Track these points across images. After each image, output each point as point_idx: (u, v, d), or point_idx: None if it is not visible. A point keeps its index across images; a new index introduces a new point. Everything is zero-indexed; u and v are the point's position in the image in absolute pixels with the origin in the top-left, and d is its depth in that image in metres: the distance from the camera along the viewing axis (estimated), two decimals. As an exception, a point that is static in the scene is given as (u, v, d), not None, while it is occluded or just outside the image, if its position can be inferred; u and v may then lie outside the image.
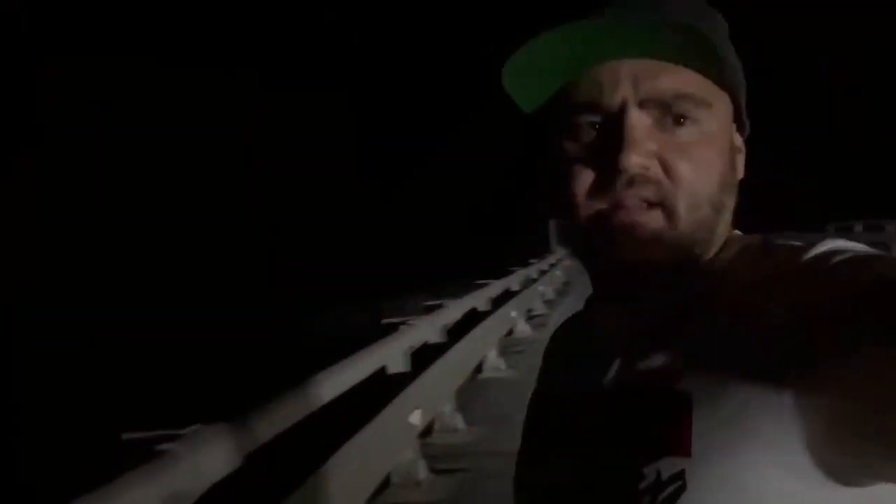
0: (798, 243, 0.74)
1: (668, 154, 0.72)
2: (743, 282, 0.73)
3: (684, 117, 0.73)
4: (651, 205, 0.73)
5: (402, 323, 5.87)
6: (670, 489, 0.68)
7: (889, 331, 0.60)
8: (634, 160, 0.71)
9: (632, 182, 0.72)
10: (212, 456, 2.50)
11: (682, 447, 0.68)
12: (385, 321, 5.87)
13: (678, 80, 0.73)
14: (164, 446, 2.38)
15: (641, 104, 0.72)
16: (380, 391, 4.54)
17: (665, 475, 0.68)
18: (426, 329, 6.16)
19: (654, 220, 0.73)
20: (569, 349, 0.90)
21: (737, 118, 0.79)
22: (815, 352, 0.63)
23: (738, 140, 0.80)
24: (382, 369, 5.12)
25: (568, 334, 0.93)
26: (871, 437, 0.61)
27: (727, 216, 0.78)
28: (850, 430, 0.62)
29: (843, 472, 0.64)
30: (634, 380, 0.75)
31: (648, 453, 0.70)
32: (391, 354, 5.25)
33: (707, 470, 0.67)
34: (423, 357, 5.59)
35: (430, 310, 7.07)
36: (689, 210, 0.73)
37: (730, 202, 0.77)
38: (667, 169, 0.72)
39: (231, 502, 2.63)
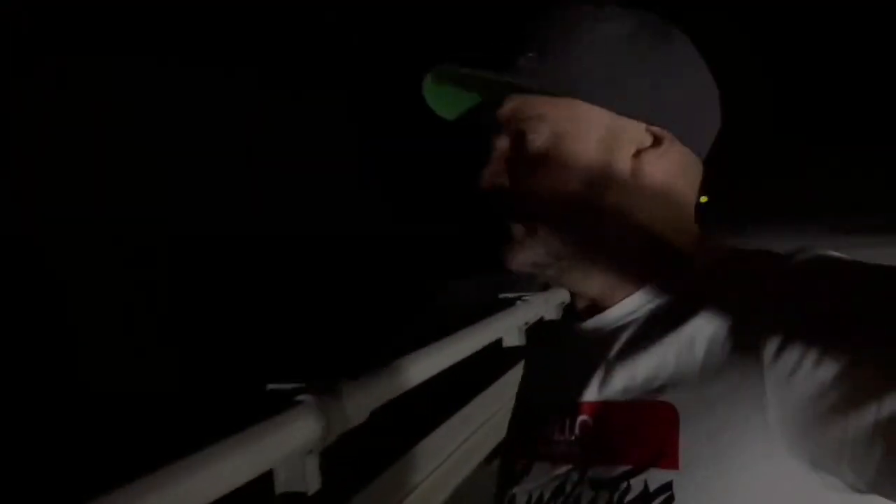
0: (776, 251, 0.75)
1: (518, 167, 0.78)
2: (723, 292, 0.73)
3: (524, 132, 0.78)
4: (514, 216, 0.78)
5: (519, 298, 6.00)
6: (658, 500, 0.68)
7: (865, 347, 0.61)
8: (483, 180, 0.79)
9: (491, 198, 0.79)
10: (342, 409, 2.70)
11: (669, 459, 0.69)
12: (502, 296, 6.01)
13: (512, 104, 0.78)
14: (302, 397, 2.60)
15: (497, 129, 0.80)
16: (495, 362, 4.69)
17: (652, 487, 0.69)
18: (541, 305, 6.27)
19: (515, 230, 0.78)
20: (551, 358, 0.88)
21: (627, 132, 0.78)
22: (796, 366, 0.64)
23: (630, 145, 0.78)
24: (499, 341, 5.30)
25: (550, 341, 0.91)
26: (850, 450, 0.61)
27: (608, 218, 0.77)
28: (831, 441, 0.62)
29: (829, 480, 0.65)
30: (619, 392, 0.75)
31: (635, 465, 0.70)
32: (507, 328, 5.41)
33: (694, 481, 0.67)
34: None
35: (545, 287, 7.18)
36: (545, 219, 0.77)
37: (603, 205, 0.77)
38: (516, 182, 0.78)
39: (356, 452, 2.81)
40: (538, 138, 0.76)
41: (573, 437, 0.77)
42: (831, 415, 0.62)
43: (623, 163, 0.77)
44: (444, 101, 0.83)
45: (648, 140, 0.77)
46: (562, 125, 0.76)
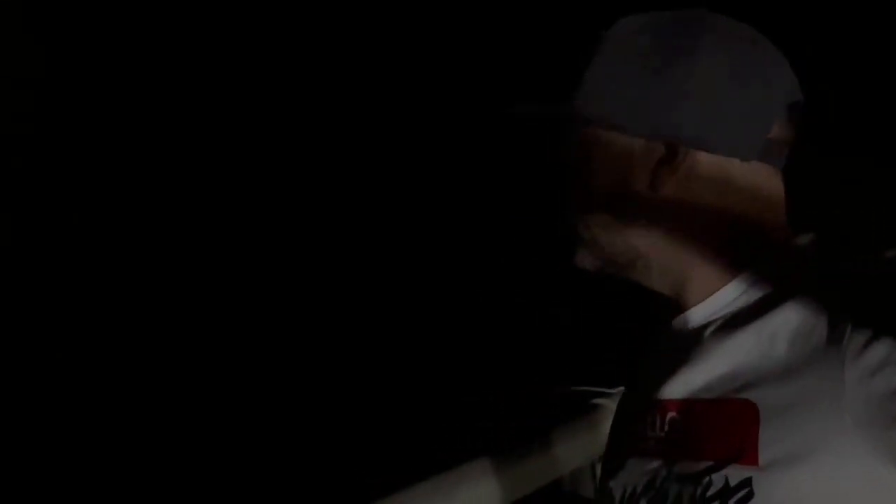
0: (854, 249, 0.77)
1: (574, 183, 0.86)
2: (807, 288, 0.74)
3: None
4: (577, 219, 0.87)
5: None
6: (738, 496, 0.70)
7: None
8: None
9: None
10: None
11: (749, 456, 0.71)
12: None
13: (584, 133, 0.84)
14: (598, 400, 2.65)
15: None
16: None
17: (733, 482, 0.71)
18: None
19: (581, 231, 0.86)
20: (645, 359, 0.91)
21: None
22: (879, 365, 0.66)
23: (650, 160, 0.81)
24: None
25: (647, 344, 0.94)
26: None
27: (637, 228, 0.82)
28: None
29: None
30: (703, 390, 0.78)
31: (717, 461, 0.73)
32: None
33: (773, 478, 0.69)
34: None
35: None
36: (583, 228, 0.85)
37: (627, 216, 0.82)
38: (570, 195, 0.86)
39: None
40: (587, 159, 0.83)
41: (662, 434, 0.81)
42: None
43: (639, 177, 0.80)
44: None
45: (676, 156, 0.79)
46: (600, 146, 0.82)
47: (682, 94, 0.78)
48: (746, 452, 0.71)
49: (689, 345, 0.82)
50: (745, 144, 0.80)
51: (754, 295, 0.79)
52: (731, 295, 0.80)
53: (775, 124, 0.80)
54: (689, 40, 0.79)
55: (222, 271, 3.75)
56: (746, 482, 0.71)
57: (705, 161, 0.80)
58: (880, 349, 0.66)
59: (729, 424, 0.74)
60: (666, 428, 0.81)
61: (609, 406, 2.92)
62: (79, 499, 3.20)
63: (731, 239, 0.81)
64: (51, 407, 3.37)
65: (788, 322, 0.74)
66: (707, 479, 0.73)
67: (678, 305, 0.84)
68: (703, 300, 0.81)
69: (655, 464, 0.80)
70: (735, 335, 0.78)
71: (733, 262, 0.80)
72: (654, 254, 0.82)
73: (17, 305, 3.42)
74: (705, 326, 0.81)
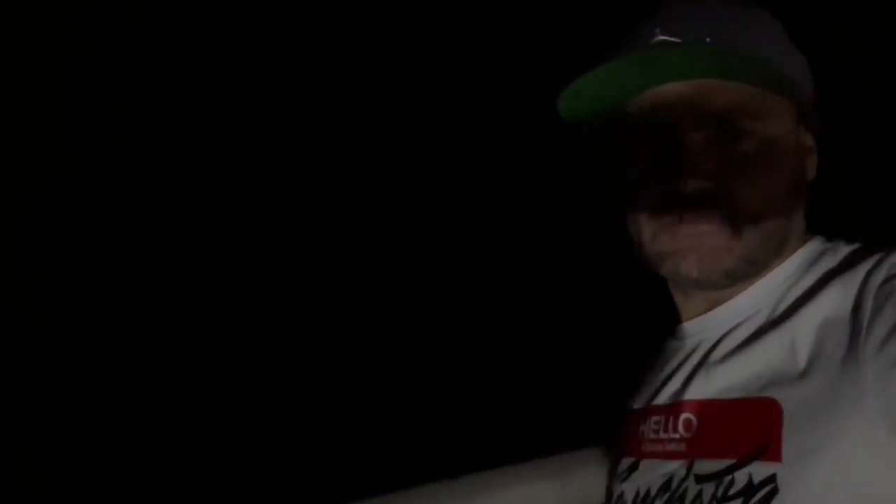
0: (879, 247, 0.76)
1: (728, 170, 0.76)
2: (825, 286, 0.75)
3: (741, 131, 0.76)
4: (713, 221, 0.77)
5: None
6: (763, 492, 0.72)
7: None
8: (692, 181, 0.76)
9: (692, 201, 0.76)
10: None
11: (772, 452, 0.72)
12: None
13: (730, 97, 0.76)
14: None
15: (696, 124, 0.76)
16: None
17: (756, 479, 0.72)
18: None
19: (719, 234, 0.77)
20: (658, 362, 0.92)
21: (802, 119, 0.80)
22: (893, 356, 0.66)
23: (809, 140, 0.81)
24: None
25: (659, 348, 0.94)
26: None
27: (799, 221, 0.81)
28: None
29: None
30: (724, 390, 0.79)
31: (739, 459, 0.74)
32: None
33: (797, 473, 0.70)
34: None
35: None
36: (753, 222, 0.77)
37: (800, 206, 0.80)
38: (727, 185, 0.76)
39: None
40: (760, 139, 0.76)
41: (678, 435, 0.81)
42: None
43: (809, 170, 0.81)
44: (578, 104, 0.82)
45: (811, 146, 0.81)
46: (781, 126, 0.78)
47: (803, 71, 0.81)
48: (770, 449, 0.72)
49: (706, 347, 0.82)
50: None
51: (777, 293, 0.79)
52: (752, 295, 0.81)
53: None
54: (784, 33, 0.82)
55: (221, 271, 3.76)
56: (771, 478, 0.71)
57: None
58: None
59: (752, 422, 0.75)
60: (681, 429, 0.82)
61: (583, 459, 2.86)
62: (78, 498, 3.21)
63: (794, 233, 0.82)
64: (50, 407, 3.37)
65: (809, 319, 0.75)
66: (729, 477, 0.74)
67: (709, 304, 0.83)
68: (726, 302, 0.82)
69: (672, 465, 0.81)
70: (755, 334, 0.78)
71: (772, 257, 0.80)
72: (779, 250, 0.81)
73: (17, 306, 3.43)
74: (724, 328, 0.82)
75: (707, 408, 0.80)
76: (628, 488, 0.87)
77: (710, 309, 0.84)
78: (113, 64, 3.51)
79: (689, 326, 0.86)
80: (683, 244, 0.79)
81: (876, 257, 0.74)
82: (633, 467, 0.87)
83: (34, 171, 3.45)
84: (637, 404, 0.93)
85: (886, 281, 0.71)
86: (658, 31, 0.78)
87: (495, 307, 3.56)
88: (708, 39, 0.76)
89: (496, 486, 1.83)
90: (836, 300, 0.74)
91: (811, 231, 0.83)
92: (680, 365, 0.85)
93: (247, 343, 3.58)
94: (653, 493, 0.83)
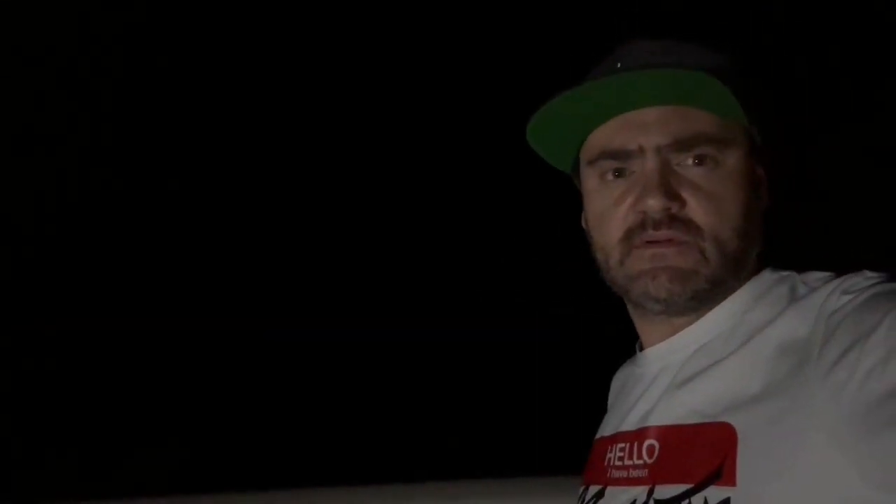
0: (829, 275, 0.77)
1: (692, 194, 0.77)
2: (780, 312, 0.76)
3: (704, 157, 0.77)
4: (680, 243, 0.77)
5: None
6: None
7: None
8: (657, 203, 0.76)
9: (659, 224, 0.77)
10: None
11: (727, 476, 0.72)
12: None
13: (696, 123, 0.76)
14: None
15: (661, 149, 0.77)
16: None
17: (712, 503, 0.72)
18: None
19: (685, 257, 0.77)
20: (623, 389, 0.91)
21: (755, 149, 0.81)
22: (846, 380, 0.67)
23: (760, 169, 0.82)
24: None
25: (624, 375, 0.94)
26: None
27: (755, 248, 0.81)
28: (880, 454, 0.65)
29: (886, 498, 0.66)
30: (683, 416, 0.78)
31: (696, 484, 0.74)
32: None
33: (751, 497, 0.70)
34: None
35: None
36: (718, 246, 0.77)
37: (757, 233, 0.81)
38: (691, 208, 0.77)
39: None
40: (722, 165, 0.77)
41: (641, 461, 0.81)
42: (876, 432, 0.64)
43: (763, 198, 0.82)
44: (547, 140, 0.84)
45: (763, 175, 0.82)
46: (741, 154, 0.79)
47: (764, 103, 0.81)
48: (724, 473, 0.72)
49: (668, 374, 0.82)
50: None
51: (731, 320, 0.80)
52: (711, 321, 0.81)
53: None
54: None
55: (220, 271, 3.74)
56: (725, 502, 0.71)
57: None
58: (845, 367, 0.68)
59: (708, 448, 0.75)
60: (645, 455, 0.81)
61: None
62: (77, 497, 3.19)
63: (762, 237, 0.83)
64: (50, 407, 3.36)
65: (765, 345, 0.75)
66: (686, 501, 0.74)
67: (660, 333, 0.84)
68: (687, 327, 0.82)
69: (634, 491, 0.81)
70: (713, 361, 0.78)
71: (731, 283, 0.81)
72: (739, 272, 0.81)
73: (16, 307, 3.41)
74: (684, 354, 0.82)
75: (668, 433, 0.80)
76: None
77: (670, 335, 0.84)
78: (111, 63, 3.52)
79: (650, 353, 0.86)
80: (653, 265, 0.78)
81: (831, 285, 0.75)
82: (600, 494, 0.86)
83: (34, 171, 3.46)
84: (605, 431, 0.92)
85: (838, 310, 0.71)
86: (620, 65, 0.79)
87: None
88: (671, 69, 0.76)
89: (472, 494, 1.83)
90: (791, 326, 0.74)
91: (767, 258, 0.84)
92: (644, 391, 0.85)
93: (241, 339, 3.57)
94: None
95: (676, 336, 0.83)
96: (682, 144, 0.77)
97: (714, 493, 0.73)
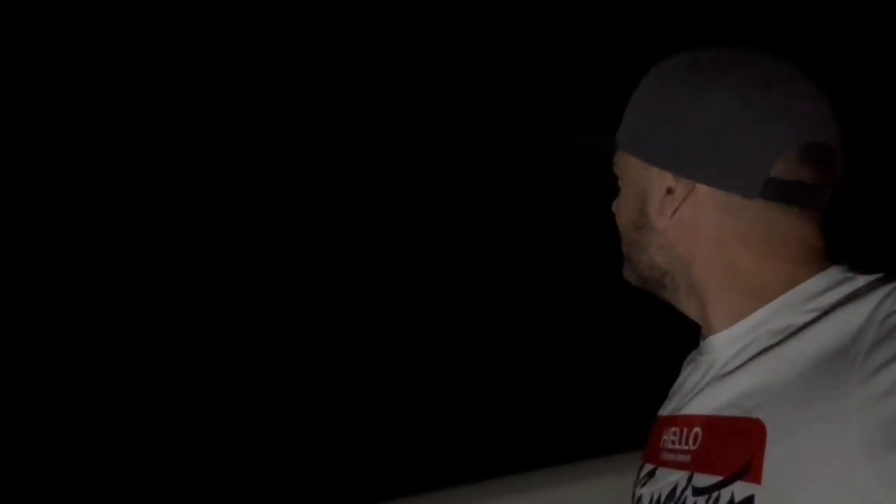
0: (885, 277, 0.78)
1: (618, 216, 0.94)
2: (827, 316, 0.77)
3: (621, 188, 0.93)
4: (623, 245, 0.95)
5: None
6: None
7: None
8: (613, 207, 0.95)
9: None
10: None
11: (754, 473, 0.73)
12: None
13: (619, 155, 0.93)
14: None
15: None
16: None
17: (737, 499, 0.74)
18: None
19: (624, 250, 0.95)
20: (685, 375, 0.95)
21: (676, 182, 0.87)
22: (887, 391, 0.67)
23: (661, 189, 0.88)
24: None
25: (690, 359, 0.97)
26: None
27: (654, 250, 0.90)
28: None
29: None
30: (723, 408, 0.81)
31: (726, 477, 0.76)
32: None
33: (774, 497, 0.72)
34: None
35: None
36: (623, 245, 0.94)
37: (647, 239, 0.90)
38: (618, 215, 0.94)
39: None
40: (622, 185, 0.92)
41: (687, 447, 0.85)
42: None
43: (652, 204, 0.88)
44: None
45: (668, 186, 0.87)
46: (620, 172, 0.93)
47: (690, 133, 0.84)
48: (752, 470, 0.74)
49: (716, 365, 0.86)
50: (743, 182, 0.83)
51: (780, 321, 0.81)
52: (755, 321, 0.84)
53: (779, 164, 0.82)
54: (702, 82, 0.85)
55: (216, 271, 3.74)
56: (749, 499, 0.73)
57: (706, 195, 0.85)
58: (890, 374, 0.68)
59: (739, 442, 0.77)
60: (690, 442, 0.85)
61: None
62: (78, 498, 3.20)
63: (751, 269, 0.85)
64: (49, 406, 3.36)
65: (810, 345, 0.76)
66: (717, 492, 0.76)
67: (706, 327, 0.89)
68: (728, 326, 0.86)
69: (678, 475, 0.85)
70: (757, 357, 0.80)
71: (756, 291, 0.84)
72: (676, 273, 0.89)
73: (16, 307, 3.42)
74: (732, 349, 0.85)
75: (710, 423, 0.83)
76: (645, 493, 0.90)
77: (715, 331, 0.88)
78: (110, 64, 3.52)
79: (708, 342, 0.89)
80: None
81: (886, 289, 0.75)
82: (651, 474, 0.91)
83: (35, 172, 3.46)
84: (664, 412, 0.97)
85: (890, 315, 0.72)
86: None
87: (531, 305, 3.57)
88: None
89: (539, 486, 1.83)
90: (840, 327, 0.75)
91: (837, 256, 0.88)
92: (699, 379, 0.89)
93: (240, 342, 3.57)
94: (662, 499, 0.86)
95: (733, 327, 0.86)
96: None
97: (741, 488, 0.74)
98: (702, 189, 0.85)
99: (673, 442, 0.88)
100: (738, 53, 0.87)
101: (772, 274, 0.84)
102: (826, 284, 0.82)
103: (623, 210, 0.92)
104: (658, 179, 0.88)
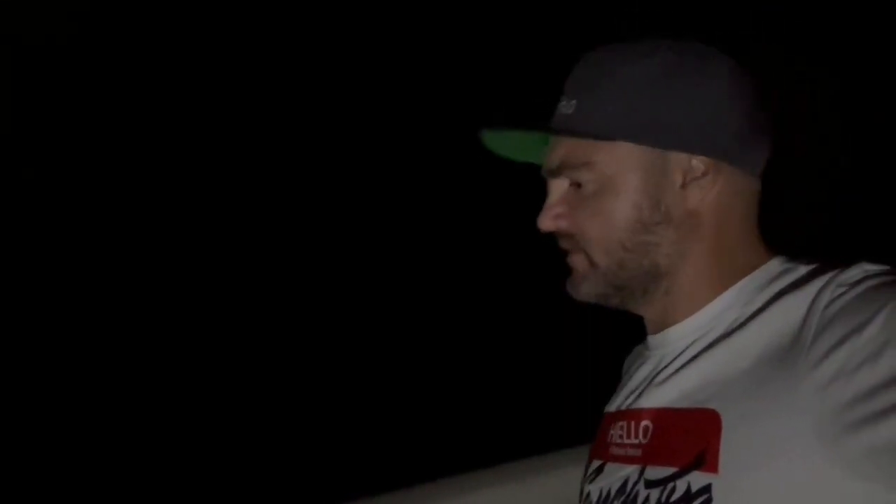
0: (833, 264, 0.78)
1: (575, 211, 0.83)
2: (775, 304, 0.77)
3: (575, 180, 0.83)
4: (575, 252, 0.84)
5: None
6: (698, 501, 0.74)
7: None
8: (544, 222, 0.85)
9: (555, 237, 0.85)
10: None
11: (710, 463, 0.74)
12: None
13: (560, 152, 0.83)
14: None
15: (552, 174, 0.85)
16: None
17: (694, 488, 0.75)
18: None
19: (578, 263, 0.85)
20: (630, 370, 0.95)
21: (660, 158, 0.82)
22: (834, 375, 0.68)
23: (678, 175, 0.82)
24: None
25: (634, 355, 0.98)
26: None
27: (666, 248, 0.83)
28: (864, 450, 0.66)
29: (869, 487, 0.68)
30: (675, 400, 0.81)
31: (681, 468, 0.77)
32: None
33: (731, 485, 0.72)
34: None
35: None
36: (604, 254, 0.83)
37: (658, 237, 0.82)
38: (574, 223, 0.83)
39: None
40: (589, 183, 0.82)
41: (636, 441, 0.84)
42: (864, 424, 0.65)
43: (672, 195, 0.81)
44: (511, 144, 0.90)
45: (696, 170, 0.81)
46: (609, 168, 0.81)
47: (709, 113, 0.80)
48: (707, 460, 0.74)
49: (667, 358, 0.86)
50: (758, 158, 0.84)
51: (733, 311, 0.81)
52: (710, 314, 0.83)
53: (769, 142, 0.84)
54: (703, 57, 0.82)
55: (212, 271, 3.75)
56: (706, 489, 0.74)
57: (727, 176, 0.82)
58: (836, 360, 0.69)
59: (693, 433, 0.77)
60: (641, 435, 0.84)
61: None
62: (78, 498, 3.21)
63: (722, 255, 0.84)
64: (48, 406, 3.36)
65: (759, 335, 0.77)
66: (672, 484, 0.77)
67: (662, 323, 0.87)
68: (685, 318, 0.85)
69: (628, 469, 0.84)
70: (710, 349, 0.81)
71: (720, 279, 0.83)
72: (671, 272, 0.84)
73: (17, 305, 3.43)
74: (683, 342, 0.85)
75: (661, 415, 0.83)
76: (594, 489, 0.90)
77: (670, 324, 0.87)
78: (106, 61, 3.54)
79: (661, 336, 0.89)
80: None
81: (827, 277, 0.76)
82: (600, 469, 0.90)
83: (35, 172, 3.48)
84: (611, 407, 0.96)
85: (832, 302, 0.73)
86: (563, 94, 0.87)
87: (531, 304, 3.57)
88: (572, 101, 0.84)
89: (484, 485, 1.85)
90: (784, 318, 0.76)
91: (777, 247, 0.87)
92: (647, 374, 0.88)
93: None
94: (612, 494, 0.85)
95: (687, 321, 0.85)
96: (556, 172, 0.85)
97: (697, 478, 0.75)
98: (724, 170, 0.82)
99: (621, 437, 0.87)
100: (683, 41, 0.85)
101: (743, 258, 0.85)
102: (773, 273, 0.82)
103: (616, 212, 0.82)
104: (675, 164, 0.81)
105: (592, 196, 0.83)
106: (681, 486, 0.76)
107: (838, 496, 0.70)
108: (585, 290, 0.85)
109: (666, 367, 0.85)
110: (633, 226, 0.82)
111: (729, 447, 0.74)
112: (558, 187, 0.86)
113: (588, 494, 0.91)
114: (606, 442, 0.91)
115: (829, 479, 0.69)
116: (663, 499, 0.77)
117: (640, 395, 0.87)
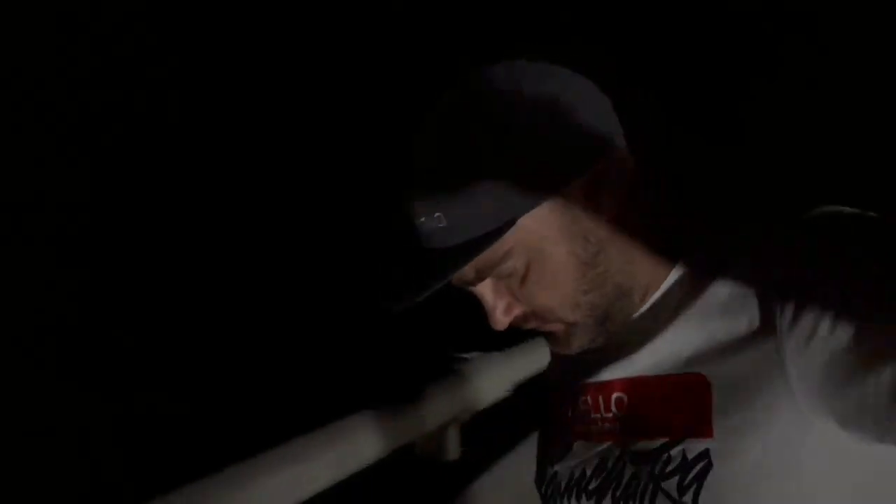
0: (788, 214, 0.75)
1: (521, 294, 0.78)
2: (734, 262, 0.74)
3: (501, 273, 0.77)
4: (546, 323, 0.79)
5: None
6: (697, 468, 0.71)
7: (877, 309, 0.64)
8: (499, 322, 0.79)
9: (517, 324, 0.79)
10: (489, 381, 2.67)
11: (704, 428, 0.72)
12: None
13: (481, 262, 0.75)
14: (458, 366, 2.61)
15: (473, 283, 0.78)
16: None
17: (690, 455, 0.72)
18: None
19: (556, 328, 0.79)
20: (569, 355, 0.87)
21: (565, 205, 0.76)
22: (811, 332, 0.66)
23: (578, 205, 0.76)
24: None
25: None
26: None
27: (616, 266, 0.78)
28: (852, 404, 0.65)
29: (861, 436, 0.66)
30: (650, 367, 0.77)
31: (673, 437, 0.73)
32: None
33: (729, 448, 0.70)
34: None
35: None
36: (571, 311, 0.78)
37: (605, 263, 0.77)
38: (528, 305, 0.78)
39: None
40: (519, 268, 0.77)
41: (610, 414, 0.80)
42: (849, 378, 0.64)
43: (589, 220, 0.77)
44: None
45: (590, 185, 0.76)
46: (527, 242, 0.76)
47: (567, 136, 0.76)
48: (701, 425, 0.72)
49: (630, 331, 0.81)
50: (620, 142, 0.79)
51: (689, 281, 0.78)
52: (667, 286, 0.80)
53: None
54: (540, 82, 0.77)
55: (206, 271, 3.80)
56: (704, 454, 0.72)
57: (612, 164, 0.77)
58: (809, 318, 0.67)
59: (682, 398, 0.74)
60: (613, 408, 0.81)
61: (467, 370, 2.83)
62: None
63: (659, 232, 0.80)
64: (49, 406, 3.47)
65: (718, 299, 0.74)
66: (665, 455, 0.74)
67: (628, 312, 0.82)
68: (645, 300, 0.81)
69: (605, 445, 0.81)
70: (675, 315, 0.77)
71: (666, 259, 0.80)
72: (633, 277, 0.79)
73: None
74: (646, 315, 0.80)
75: (636, 384, 0.79)
76: (562, 469, 0.85)
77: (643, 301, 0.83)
78: (107, 64, 3.64)
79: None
80: (546, 337, 0.83)
81: (779, 232, 0.74)
82: (567, 448, 0.86)
83: (37, 173, 3.61)
84: (562, 386, 0.91)
85: (792, 258, 0.71)
86: (417, 223, 0.79)
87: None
88: (437, 218, 0.75)
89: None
90: (746, 274, 0.74)
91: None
92: (604, 347, 0.83)
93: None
94: (588, 473, 0.82)
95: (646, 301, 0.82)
96: (474, 281, 0.79)
97: (692, 445, 0.72)
98: (606, 166, 0.77)
99: (586, 412, 0.83)
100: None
101: (677, 225, 0.82)
102: (725, 228, 0.80)
103: (559, 273, 0.77)
104: (574, 195, 0.76)
105: (528, 274, 0.77)
106: (676, 455, 0.73)
107: (832, 450, 0.69)
108: (577, 344, 0.80)
109: (628, 339, 0.81)
110: (580, 270, 0.78)
111: (721, 410, 0.72)
112: (487, 287, 0.79)
113: (555, 475, 0.86)
114: (567, 418, 0.86)
115: (824, 433, 0.68)
116: (657, 471, 0.74)
117: (602, 368, 0.82)
